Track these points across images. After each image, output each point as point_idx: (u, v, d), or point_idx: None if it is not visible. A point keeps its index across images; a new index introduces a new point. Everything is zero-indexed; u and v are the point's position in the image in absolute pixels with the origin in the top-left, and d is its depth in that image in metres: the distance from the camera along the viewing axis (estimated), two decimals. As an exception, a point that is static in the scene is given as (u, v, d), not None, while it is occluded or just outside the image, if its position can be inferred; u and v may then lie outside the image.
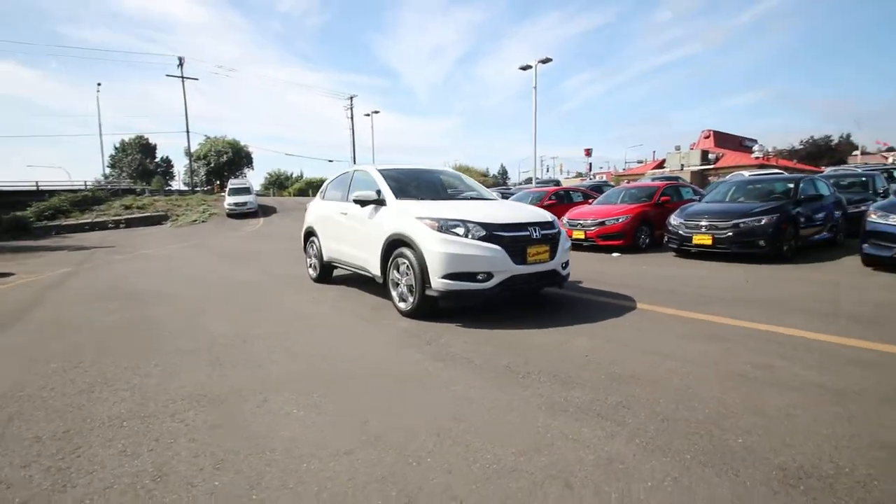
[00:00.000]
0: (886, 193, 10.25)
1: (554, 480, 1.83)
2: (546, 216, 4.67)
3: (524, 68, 21.89)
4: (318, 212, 6.73)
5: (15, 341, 4.20)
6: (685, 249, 8.00)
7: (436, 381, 2.91)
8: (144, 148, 58.71)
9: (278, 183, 68.87)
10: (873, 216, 6.06)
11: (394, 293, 4.69)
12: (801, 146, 45.48)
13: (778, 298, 4.91)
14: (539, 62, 21.08)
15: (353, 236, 5.53)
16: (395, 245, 4.64)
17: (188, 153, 39.64)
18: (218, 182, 46.13)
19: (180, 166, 62.22)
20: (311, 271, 6.97)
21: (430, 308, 4.35)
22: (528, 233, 4.31)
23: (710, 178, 28.78)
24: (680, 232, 7.94)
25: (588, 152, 63.08)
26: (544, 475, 1.87)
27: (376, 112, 36.52)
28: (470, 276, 4.09)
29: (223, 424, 2.40)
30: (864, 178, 10.49)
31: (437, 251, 4.10)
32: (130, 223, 23.76)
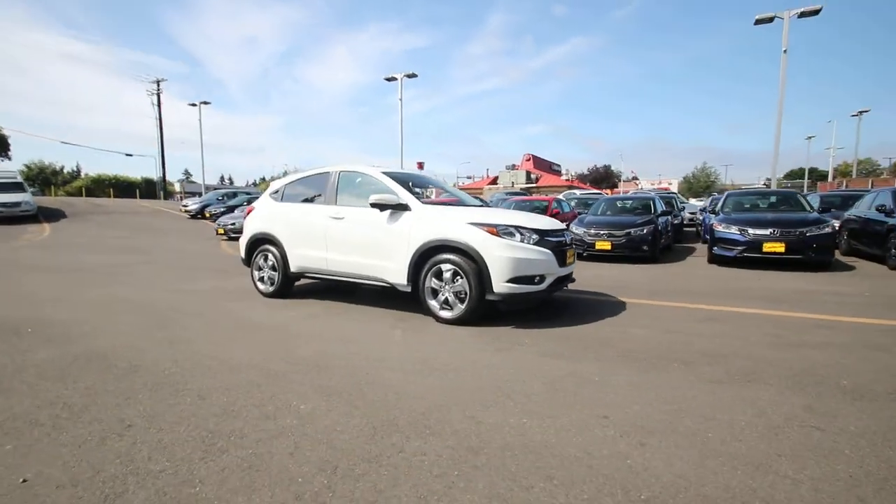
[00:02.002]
0: (683, 209, 14.05)
1: (791, 429, 2.34)
2: (562, 224, 5.21)
3: (389, 80, 22.29)
4: (277, 215, 5.90)
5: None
6: (586, 254, 9.60)
7: (590, 376, 3.11)
8: None
9: (43, 178, 53.85)
10: (719, 227, 8.42)
11: (432, 302, 4.57)
12: (589, 173, 57.60)
13: (697, 289, 6.47)
14: (405, 76, 21.79)
15: (357, 243, 5.10)
16: (433, 251, 4.54)
17: None
18: (-53, 173, 33.45)
19: None
20: (261, 285, 6.04)
21: (483, 313, 4.41)
22: (564, 238, 4.78)
23: (535, 195, 33.97)
24: (585, 239, 9.49)
25: (420, 165, 66.53)
26: (772, 426, 2.36)
27: (205, 103, 31.60)
28: (529, 280, 4.34)
29: (480, 447, 2.19)
30: (658, 199, 14.09)
31: (503, 256, 4.22)
32: None
